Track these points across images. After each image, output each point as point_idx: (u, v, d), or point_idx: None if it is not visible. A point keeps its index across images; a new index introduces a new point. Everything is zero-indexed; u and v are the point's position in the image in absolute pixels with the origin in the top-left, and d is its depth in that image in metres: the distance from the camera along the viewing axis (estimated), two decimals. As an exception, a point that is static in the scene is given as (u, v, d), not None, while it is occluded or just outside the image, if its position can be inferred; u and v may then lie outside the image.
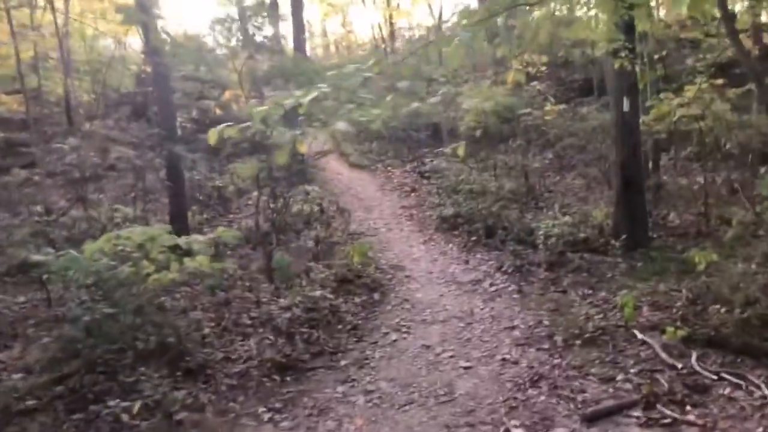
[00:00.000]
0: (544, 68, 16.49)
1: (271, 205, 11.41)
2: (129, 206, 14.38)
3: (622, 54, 7.85)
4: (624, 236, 8.84)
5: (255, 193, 13.17)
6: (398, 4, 30.82)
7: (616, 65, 8.02)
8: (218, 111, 17.33)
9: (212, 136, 5.58)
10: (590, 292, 8.08)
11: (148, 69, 22.00)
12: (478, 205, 11.27)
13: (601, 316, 7.14)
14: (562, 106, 14.12)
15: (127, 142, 16.04)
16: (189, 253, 6.72)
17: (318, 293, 7.61)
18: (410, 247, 11.02)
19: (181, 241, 6.23)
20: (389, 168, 16.96)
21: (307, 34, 28.37)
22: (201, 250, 6.30)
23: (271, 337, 7.17)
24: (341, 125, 6.01)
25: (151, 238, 6.42)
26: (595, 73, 19.42)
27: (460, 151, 10.86)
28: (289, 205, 11.86)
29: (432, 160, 16.11)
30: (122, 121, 18.18)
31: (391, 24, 30.87)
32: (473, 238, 10.80)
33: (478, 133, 16.10)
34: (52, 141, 17.74)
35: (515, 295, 8.25)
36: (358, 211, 13.84)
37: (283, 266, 7.26)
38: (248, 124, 5.96)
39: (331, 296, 7.84)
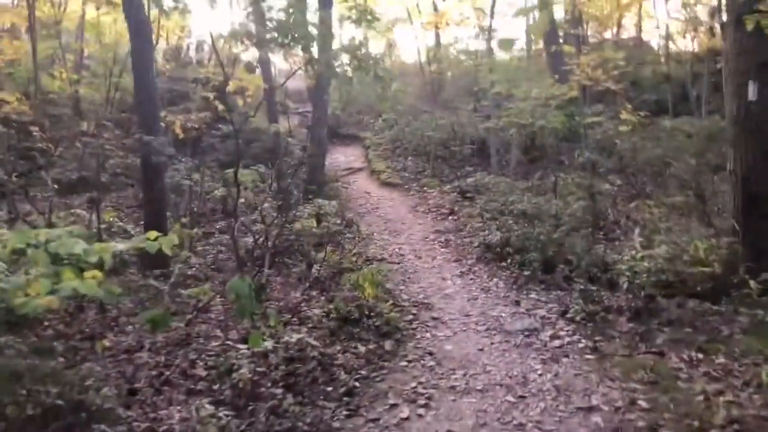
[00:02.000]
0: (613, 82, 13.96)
1: (275, 221, 9.17)
2: (123, 214, 12.62)
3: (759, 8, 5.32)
4: (746, 276, 6.17)
5: (266, 205, 11.10)
6: (446, 22, 28.77)
7: (749, 25, 5.48)
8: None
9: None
10: (700, 356, 5.48)
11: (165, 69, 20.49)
12: (534, 231, 8.71)
13: (730, 398, 4.57)
14: (640, 116, 11.48)
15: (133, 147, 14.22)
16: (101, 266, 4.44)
17: (296, 338, 5.20)
18: (442, 280, 8.53)
19: (79, 248, 3.93)
20: (425, 188, 14.56)
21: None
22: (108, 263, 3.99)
23: (227, 400, 4.85)
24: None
25: (40, 241, 4.16)
26: (669, 91, 16.80)
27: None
28: (293, 221, 9.58)
29: (475, 179, 13.61)
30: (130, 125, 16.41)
31: (438, 41, 28.83)
32: (526, 273, 8.25)
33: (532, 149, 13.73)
34: (59, 146, 16.25)
35: (589, 355, 5.67)
36: (383, 233, 11.46)
37: (244, 295, 4.90)
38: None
39: (317, 343, 5.42)
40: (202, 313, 6.85)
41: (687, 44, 22.14)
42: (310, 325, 6.24)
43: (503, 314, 6.95)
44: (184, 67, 22.03)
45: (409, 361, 5.75)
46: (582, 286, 7.22)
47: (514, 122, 12.91)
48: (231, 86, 10.96)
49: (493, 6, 17.93)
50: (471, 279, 8.54)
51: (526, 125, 14.12)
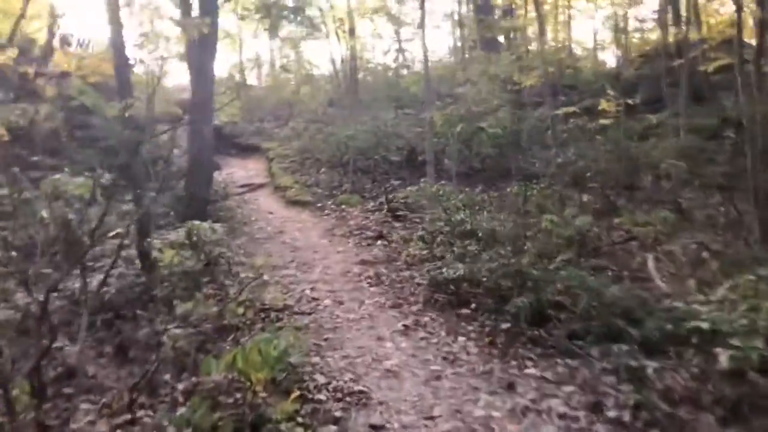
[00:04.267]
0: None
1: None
2: None
3: None
4: None
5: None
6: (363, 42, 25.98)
7: None
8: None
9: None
10: None
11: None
12: (513, 260, 5.85)
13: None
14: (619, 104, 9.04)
15: None
16: None
17: None
18: (379, 342, 5.49)
19: None
20: (343, 206, 11.52)
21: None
22: None
23: None
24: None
25: None
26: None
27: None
28: (147, 255, 6.32)
29: (406, 194, 10.73)
30: None
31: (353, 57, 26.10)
32: (504, 326, 5.39)
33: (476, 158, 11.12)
34: None
35: None
36: (289, 267, 8.31)
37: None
38: None
39: None
40: None
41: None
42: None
43: (495, 413, 3.98)
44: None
45: None
46: (610, 351, 4.42)
47: (455, 119, 10.16)
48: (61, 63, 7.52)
49: (423, 18, 15.24)
50: (422, 338, 5.54)
51: (466, 128, 11.48)
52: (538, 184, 9.27)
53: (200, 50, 9.70)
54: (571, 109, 10.42)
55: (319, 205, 11.91)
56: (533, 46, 17.42)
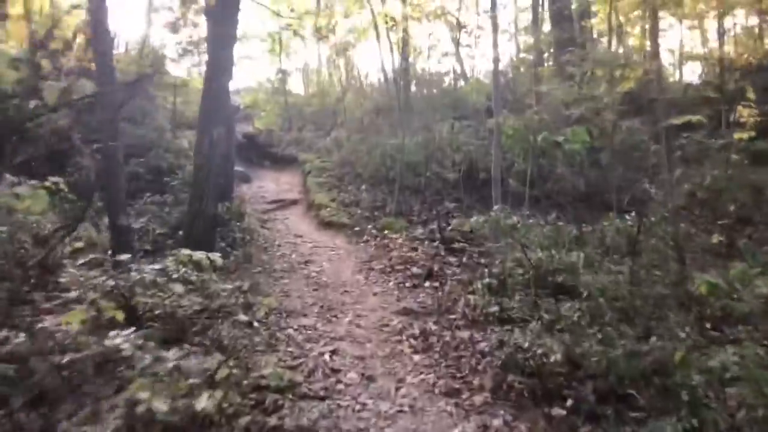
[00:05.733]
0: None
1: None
2: None
3: None
4: None
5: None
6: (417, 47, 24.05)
7: None
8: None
9: None
10: None
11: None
12: (635, 349, 3.66)
13: None
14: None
15: None
16: None
17: None
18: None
19: None
20: (386, 231, 9.48)
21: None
22: None
23: None
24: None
25: None
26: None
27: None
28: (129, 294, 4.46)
29: (462, 220, 8.63)
30: None
31: (406, 63, 24.19)
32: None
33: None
34: None
35: None
36: (309, 314, 6.32)
37: None
38: None
39: None
40: None
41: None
42: None
43: None
44: None
45: None
46: None
47: (528, 131, 8.02)
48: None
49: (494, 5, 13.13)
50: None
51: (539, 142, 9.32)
52: (646, 218, 7.03)
53: (215, 38, 7.92)
54: (688, 118, 8.14)
55: (357, 229, 9.90)
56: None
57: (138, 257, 6.41)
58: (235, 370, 4.17)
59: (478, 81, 18.99)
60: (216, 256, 6.12)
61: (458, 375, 4.74)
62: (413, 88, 19.84)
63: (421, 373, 4.84)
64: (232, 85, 9.02)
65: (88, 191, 6.21)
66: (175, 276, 5.07)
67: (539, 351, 4.08)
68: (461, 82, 21.43)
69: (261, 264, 8.07)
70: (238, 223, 9.40)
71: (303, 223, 10.92)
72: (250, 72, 44.87)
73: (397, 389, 4.53)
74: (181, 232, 8.28)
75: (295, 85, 22.54)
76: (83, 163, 8.39)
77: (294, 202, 12.34)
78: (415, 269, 7.64)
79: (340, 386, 4.55)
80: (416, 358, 5.15)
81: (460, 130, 13.24)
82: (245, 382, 4.30)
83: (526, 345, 4.21)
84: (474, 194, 10.84)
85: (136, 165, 11.05)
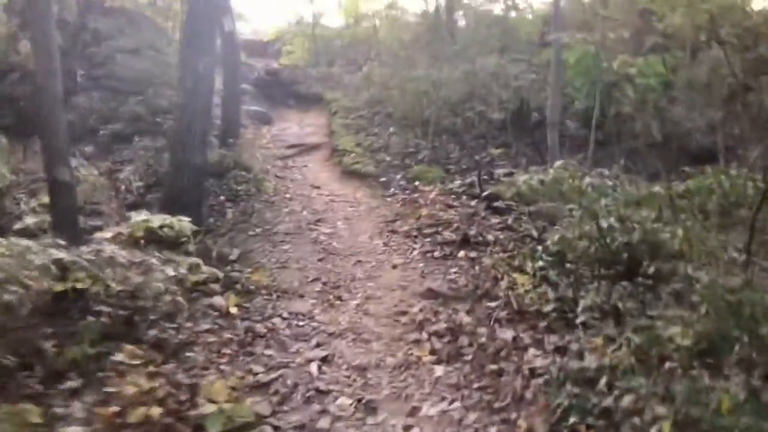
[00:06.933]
0: None
1: None
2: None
3: None
4: None
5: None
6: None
7: None
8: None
9: None
10: None
11: None
12: None
13: None
14: None
15: None
16: None
17: None
18: None
19: None
20: (417, 182, 7.90)
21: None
22: None
23: None
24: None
25: None
26: None
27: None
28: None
29: (512, 171, 6.99)
30: None
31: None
32: None
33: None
34: None
35: None
36: (306, 295, 4.92)
37: None
38: None
39: None
40: None
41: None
42: None
43: None
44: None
45: None
46: None
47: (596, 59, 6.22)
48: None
49: None
50: None
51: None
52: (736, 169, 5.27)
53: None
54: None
55: (384, 179, 8.38)
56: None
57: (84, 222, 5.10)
58: (156, 409, 2.80)
59: (533, 9, 16.72)
60: (185, 222, 4.75)
61: (496, 405, 3.28)
62: (459, 20, 17.80)
63: (443, 399, 3.40)
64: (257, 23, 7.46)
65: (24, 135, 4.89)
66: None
67: (624, 402, 2.55)
68: (512, 13, 19.15)
69: (262, 224, 6.69)
70: (243, 173, 8.02)
71: (323, 172, 9.45)
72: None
73: (407, 430, 3.12)
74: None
75: (328, 18, 20.68)
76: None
77: (316, 147, 10.84)
78: (447, 234, 6.11)
79: (323, 423, 3.16)
80: (438, 371, 3.70)
81: (510, 64, 11.33)
82: (189, 405, 2.94)
83: (603, 382, 2.68)
84: (524, 137, 9.09)
85: (136, 104, 9.73)
